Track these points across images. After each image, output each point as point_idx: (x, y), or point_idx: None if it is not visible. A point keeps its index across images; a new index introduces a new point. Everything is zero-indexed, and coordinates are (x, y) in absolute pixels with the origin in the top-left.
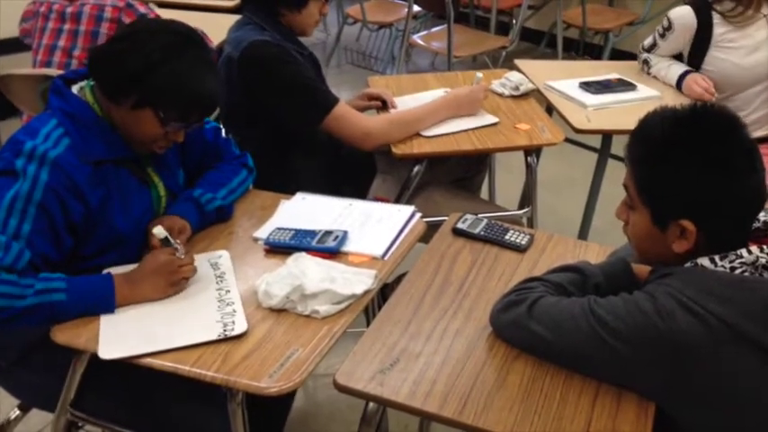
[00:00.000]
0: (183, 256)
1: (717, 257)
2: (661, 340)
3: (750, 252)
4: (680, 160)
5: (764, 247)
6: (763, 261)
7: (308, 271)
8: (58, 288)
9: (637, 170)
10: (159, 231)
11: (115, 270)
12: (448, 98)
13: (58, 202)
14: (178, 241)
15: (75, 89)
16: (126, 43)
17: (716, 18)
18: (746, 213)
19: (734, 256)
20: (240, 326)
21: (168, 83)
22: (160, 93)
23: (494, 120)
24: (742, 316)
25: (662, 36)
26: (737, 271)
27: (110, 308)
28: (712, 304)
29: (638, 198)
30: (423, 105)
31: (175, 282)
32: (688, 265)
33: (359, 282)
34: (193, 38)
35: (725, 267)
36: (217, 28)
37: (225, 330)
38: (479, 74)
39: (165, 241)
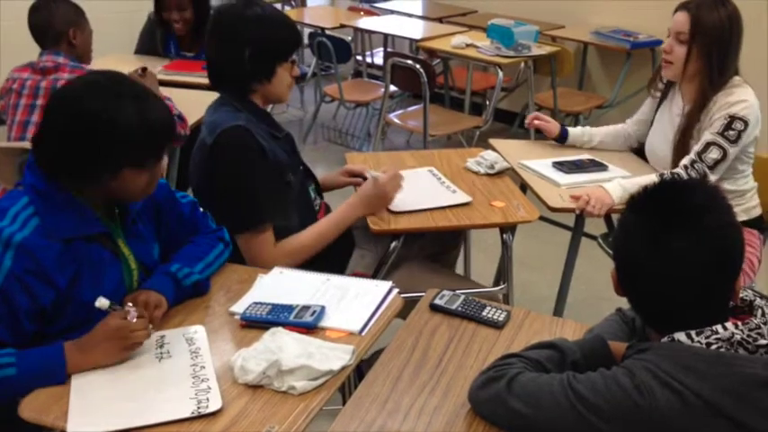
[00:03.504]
0: (134, 320)
1: (693, 333)
2: (640, 417)
3: (726, 328)
4: (623, 219)
5: (739, 323)
6: (738, 337)
7: (285, 346)
8: (8, 363)
9: None
10: (102, 304)
11: None
12: (353, 203)
13: (20, 288)
14: (130, 304)
15: None
16: (73, 138)
17: None
18: (683, 289)
19: (710, 332)
20: (215, 403)
21: (127, 140)
22: (124, 156)
23: (467, 198)
24: (719, 392)
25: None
26: (713, 347)
27: (61, 377)
28: (690, 380)
29: None
30: (324, 220)
31: (127, 347)
32: (665, 339)
33: (336, 357)
34: (122, 84)
35: (701, 343)
36: (196, 105)
37: (198, 407)
38: (372, 172)
39: (115, 307)
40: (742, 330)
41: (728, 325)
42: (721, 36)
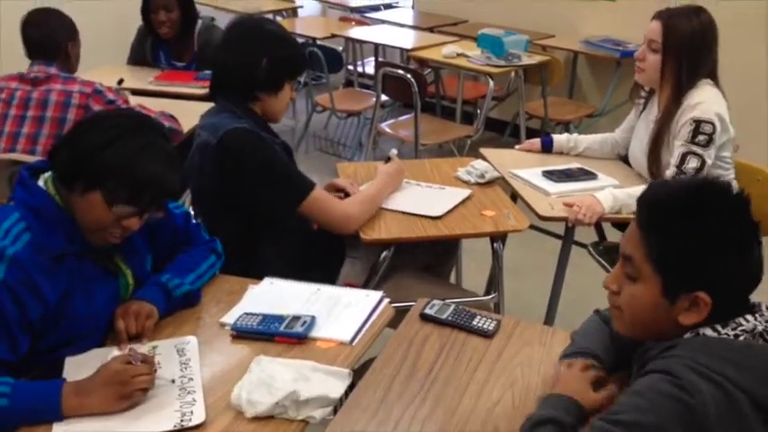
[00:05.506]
0: (138, 363)
1: (719, 326)
2: (693, 418)
3: (747, 320)
4: (705, 234)
5: (756, 315)
6: (761, 328)
7: (275, 374)
8: (1, 393)
9: (652, 240)
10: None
11: (74, 359)
12: (384, 179)
13: (11, 299)
14: (132, 346)
15: (41, 180)
16: (83, 126)
17: None
18: (752, 286)
19: (735, 324)
20: (198, 416)
21: (115, 161)
22: (107, 171)
23: (467, 191)
24: (758, 382)
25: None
26: (741, 338)
27: (54, 416)
28: (729, 371)
29: (648, 268)
30: (373, 183)
31: (127, 394)
32: (688, 335)
33: (333, 387)
34: (152, 125)
35: (728, 335)
36: (188, 114)
37: (182, 420)
38: (394, 150)
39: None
40: (760, 322)
41: (749, 317)
42: (692, 45)
